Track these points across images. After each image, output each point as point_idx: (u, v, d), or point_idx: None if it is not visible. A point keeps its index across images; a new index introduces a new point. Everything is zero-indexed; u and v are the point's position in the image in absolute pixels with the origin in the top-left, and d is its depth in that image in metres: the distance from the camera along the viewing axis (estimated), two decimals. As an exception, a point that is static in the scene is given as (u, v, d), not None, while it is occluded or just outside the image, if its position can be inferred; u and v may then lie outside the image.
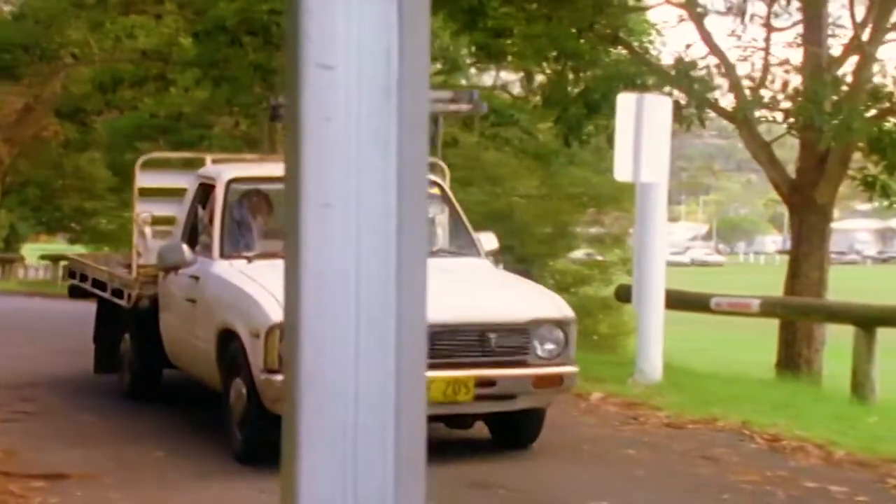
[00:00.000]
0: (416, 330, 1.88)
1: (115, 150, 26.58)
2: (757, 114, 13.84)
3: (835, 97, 13.57)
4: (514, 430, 8.39)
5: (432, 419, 7.71)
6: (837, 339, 11.10)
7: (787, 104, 13.79)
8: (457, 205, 9.29)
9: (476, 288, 8.34)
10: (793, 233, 14.65)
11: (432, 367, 6.91)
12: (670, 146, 11.09)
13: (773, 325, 14.31)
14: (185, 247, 8.84)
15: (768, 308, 11.72)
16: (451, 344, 7.62)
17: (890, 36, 14.12)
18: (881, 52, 15.28)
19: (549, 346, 7.91)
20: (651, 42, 16.62)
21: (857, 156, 14.72)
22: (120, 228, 34.08)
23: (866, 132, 13.09)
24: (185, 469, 7.80)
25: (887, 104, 13.79)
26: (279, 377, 7.11)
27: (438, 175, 9.53)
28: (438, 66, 17.86)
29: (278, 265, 8.14)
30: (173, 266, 8.90)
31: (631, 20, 16.31)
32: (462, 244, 9.20)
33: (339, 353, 1.81)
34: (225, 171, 9.39)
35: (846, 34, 14.12)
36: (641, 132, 10.94)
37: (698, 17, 14.50)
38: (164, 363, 9.85)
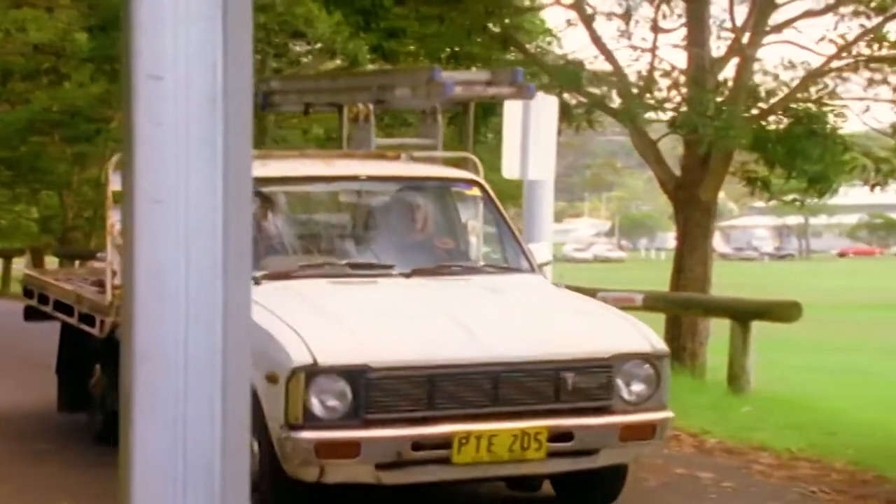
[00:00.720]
0: (241, 312, 2.09)
1: (6, 144, 26.32)
2: (644, 114, 14.21)
3: (718, 98, 14.00)
4: (588, 491, 6.87)
5: (494, 479, 6.76)
6: (725, 333, 11.46)
7: (671, 106, 14.17)
8: (501, 208, 7.91)
9: (540, 313, 6.80)
10: (678, 229, 15.06)
11: (494, 416, 6.13)
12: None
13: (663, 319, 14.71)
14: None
15: (651, 302, 12.06)
16: (517, 387, 6.22)
17: (769, 38, 14.58)
18: (762, 53, 15.78)
19: (638, 387, 6.40)
20: (549, 44, 16.92)
21: (743, 153, 15.19)
22: (11, 225, 33.57)
23: (746, 134, 13.53)
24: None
25: (766, 105, 14.25)
26: (306, 434, 5.93)
27: (471, 171, 8.34)
28: (338, 61, 18.01)
29: (295, 288, 6.96)
30: None
31: (527, 21, 16.60)
32: (510, 256, 7.72)
33: (170, 332, 2.02)
34: None
35: (729, 36, 14.55)
36: (528, 131, 11.20)
37: (587, 20, 14.85)
38: None
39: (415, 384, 6.08)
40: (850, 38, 14.55)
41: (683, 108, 13.89)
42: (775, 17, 14.76)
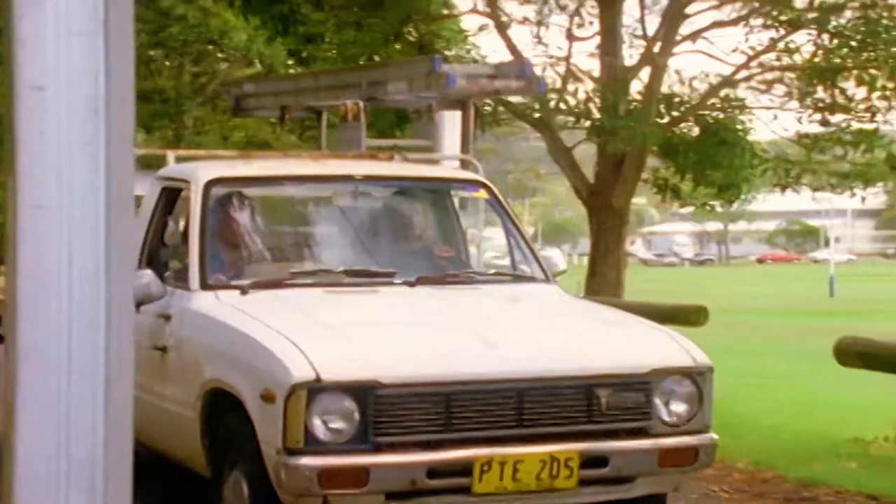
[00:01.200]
0: (123, 313, 2.17)
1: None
2: (559, 119, 14.43)
3: (632, 105, 14.25)
4: None
5: None
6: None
7: (585, 112, 14.39)
8: (511, 212, 7.28)
9: (567, 325, 6.18)
10: (591, 235, 15.29)
11: (520, 439, 5.42)
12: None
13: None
14: (150, 274, 6.41)
15: (564, 306, 12.22)
16: (545, 406, 5.53)
17: (681, 48, 14.87)
18: (679, 62, 16.05)
19: (679, 407, 5.75)
20: (467, 51, 17.05)
21: (655, 160, 15.45)
22: None
23: (657, 138, 13.79)
24: None
25: (678, 112, 14.53)
26: (307, 460, 5.23)
27: (471, 171, 7.85)
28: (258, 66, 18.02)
29: (288, 298, 6.10)
30: (135, 302, 6.00)
31: (445, 28, 16.74)
32: (522, 265, 7.08)
33: (53, 330, 2.11)
34: (202, 170, 7.09)
35: (642, 45, 14.82)
36: (443, 136, 11.34)
37: (502, 27, 15.03)
38: None
39: (431, 402, 5.36)
40: (760, 49, 14.87)
41: (596, 115, 14.12)
42: (688, 27, 15.08)
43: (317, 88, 10.02)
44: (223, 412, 5.76)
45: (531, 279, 6.87)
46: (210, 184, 6.74)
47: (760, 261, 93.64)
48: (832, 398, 13.65)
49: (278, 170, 7.30)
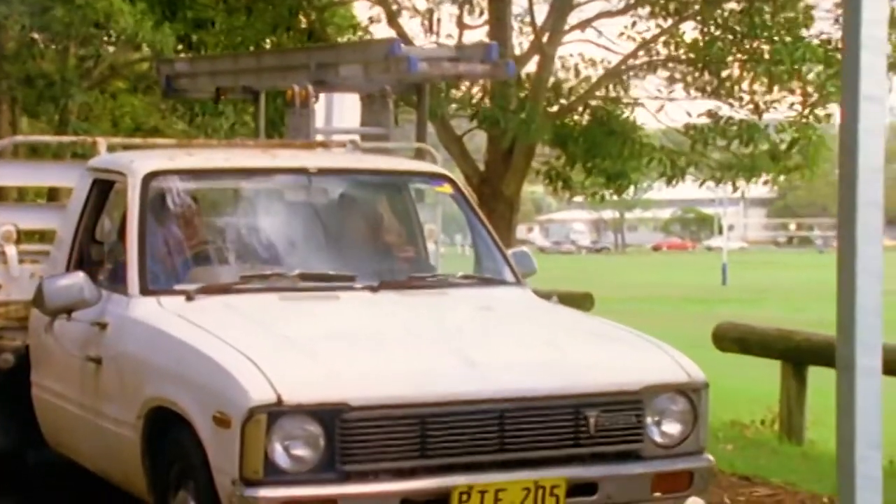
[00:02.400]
0: None
1: None
2: (448, 109, 14.50)
3: (521, 94, 14.36)
4: None
5: None
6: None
7: (475, 101, 14.50)
8: (477, 209, 6.74)
9: (548, 336, 5.57)
10: (482, 223, 15.35)
11: (501, 465, 4.98)
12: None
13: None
14: (82, 276, 5.85)
15: (452, 294, 12.31)
16: (529, 428, 5.03)
17: (570, 37, 15.03)
18: (568, 50, 16.26)
19: (672, 427, 5.30)
20: (360, 38, 17.04)
21: (546, 149, 15.60)
22: None
23: (547, 129, 13.93)
24: None
25: (566, 101, 14.69)
26: (267, 492, 4.73)
27: (428, 162, 7.38)
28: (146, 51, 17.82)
29: (239, 305, 5.52)
30: (65, 308, 5.84)
31: (337, 16, 16.70)
32: (490, 266, 6.49)
33: None
34: (139, 161, 6.42)
35: (531, 33, 14.95)
36: (331, 123, 11.34)
37: (392, 15, 15.06)
38: (33, 442, 6.71)
39: (404, 426, 4.90)
40: (648, 37, 15.09)
41: (486, 104, 14.21)
42: (576, 16, 15.24)
43: (259, 69, 9.45)
44: (168, 432, 5.20)
45: (501, 282, 6.31)
46: (149, 177, 6.12)
47: (656, 248, 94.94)
48: (714, 383, 13.87)
49: (224, 161, 6.68)
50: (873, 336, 3.53)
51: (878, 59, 3.48)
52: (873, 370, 3.54)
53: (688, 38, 14.96)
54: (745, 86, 14.83)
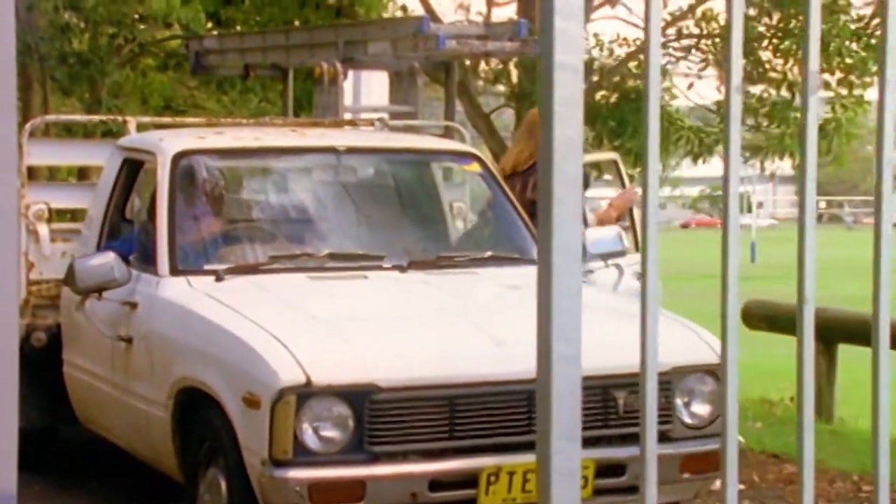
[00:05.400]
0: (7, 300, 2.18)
1: None
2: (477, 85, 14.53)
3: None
4: None
5: None
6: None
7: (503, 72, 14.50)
8: (505, 187, 6.63)
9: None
10: (510, 200, 15.37)
11: (530, 447, 4.39)
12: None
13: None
14: (113, 256, 5.83)
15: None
16: None
17: (598, 14, 14.98)
18: (600, 27, 16.22)
19: (701, 408, 5.29)
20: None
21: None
22: None
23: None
24: None
25: (596, 78, 14.67)
26: (296, 473, 4.77)
27: (457, 141, 7.28)
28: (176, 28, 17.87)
29: (269, 285, 5.56)
30: (96, 287, 5.84)
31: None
32: (519, 245, 6.38)
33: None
34: (168, 140, 6.41)
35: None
36: (359, 101, 11.40)
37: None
38: (65, 419, 6.77)
39: (433, 407, 4.91)
40: (678, 15, 15.04)
41: (514, 81, 14.20)
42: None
43: (287, 46, 9.46)
44: (197, 412, 5.23)
45: (531, 261, 5.84)
46: (178, 156, 6.11)
47: (684, 226, 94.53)
48: (743, 360, 13.86)
49: (252, 141, 6.64)
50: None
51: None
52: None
53: (718, 17, 14.89)
54: (776, 65, 14.76)
